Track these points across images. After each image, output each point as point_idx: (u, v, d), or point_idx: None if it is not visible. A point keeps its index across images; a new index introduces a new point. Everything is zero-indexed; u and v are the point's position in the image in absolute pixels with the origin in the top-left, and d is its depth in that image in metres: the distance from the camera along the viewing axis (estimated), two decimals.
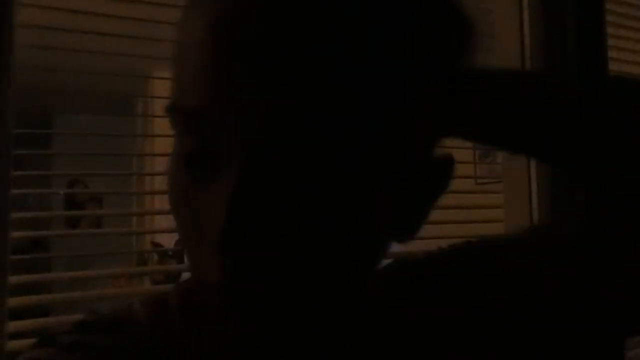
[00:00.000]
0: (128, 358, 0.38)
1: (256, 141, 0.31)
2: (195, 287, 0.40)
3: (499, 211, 1.41)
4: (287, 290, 0.33)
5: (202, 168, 0.33)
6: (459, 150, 1.61)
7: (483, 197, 1.66)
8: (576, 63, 1.29)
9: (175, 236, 2.39)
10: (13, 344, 0.89)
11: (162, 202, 2.37)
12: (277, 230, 0.31)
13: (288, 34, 0.30)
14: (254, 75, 0.31)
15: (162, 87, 1.59)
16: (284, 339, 0.35)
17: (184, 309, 0.41)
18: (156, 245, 2.46)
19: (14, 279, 0.92)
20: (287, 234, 0.32)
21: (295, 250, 0.32)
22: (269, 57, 0.30)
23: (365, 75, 0.32)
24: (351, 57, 0.31)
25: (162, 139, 1.42)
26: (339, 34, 0.31)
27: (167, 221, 2.27)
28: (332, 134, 0.31)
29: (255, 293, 0.32)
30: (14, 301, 0.92)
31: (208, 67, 0.32)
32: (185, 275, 0.50)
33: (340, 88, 0.31)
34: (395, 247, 0.39)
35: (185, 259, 0.38)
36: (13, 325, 0.91)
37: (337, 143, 0.31)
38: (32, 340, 0.44)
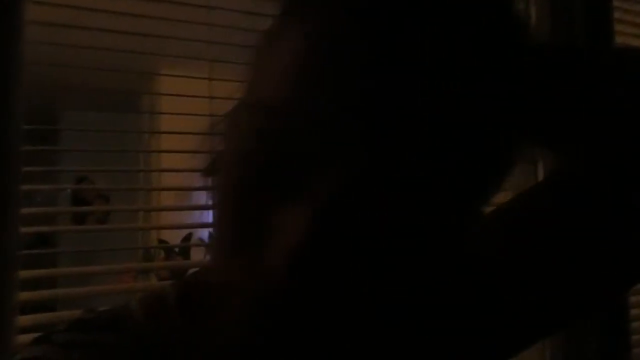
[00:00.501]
0: (124, 356, 0.38)
1: (344, 161, 0.31)
2: (205, 286, 0.40)
3: None
4: (337, 309, 0.33)
5: (277, 177, 0.32)
6: None
7: None
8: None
9: (181, 233, 2.40)
10: (22, 338, 0.89)
11: (168, 199, 2.37)
12: (348, 253, 0.32)
13: (384, 54, 0.30)
14: (348, 94, 0.31)
15: (168, 84, 1.60)
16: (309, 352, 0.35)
17: (182, 307, 0.41)
18: (162, 242, 2.47)
19: (23, 274, 0.93)
20: (357, 256, 0.32)
21: (359, 271, 0.32)
22: (361, 75, 0.31)
23: (460, 93, 0.32)
24: (444, 80, 0.31)
25: (168, 135, 1.42)
26: (434, 57, 0.31)
27: (174, 218, 2.28)
28: (420, 152, 0.31)
29: (309, 308, 0.33)
30: (22, 296, 0.93)
31: (303, 75, 0.32)
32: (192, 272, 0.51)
33: (434, 110, 0.31)
34: None
35: (210, 255, 0.38)
36: (22, 320, 0.92)
37: (421, 161, 0.31)
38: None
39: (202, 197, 1.37)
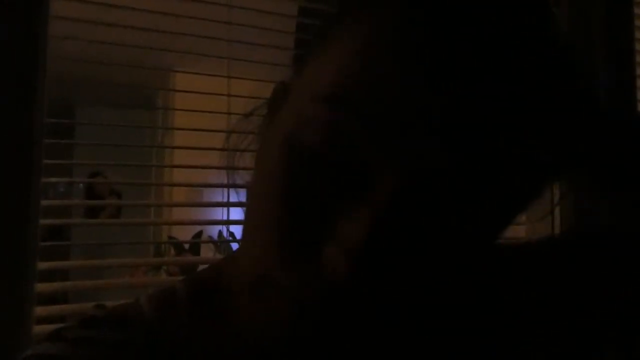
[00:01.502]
0: (134, 353, 0.38)
1: (409, 164, 0.31)
2: (220, 285, 0.41)
3: None
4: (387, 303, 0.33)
5: (340, 175, 0.32)
6: None
7: None
8: (602, 63, 1.29)
9: (191, 231, 2.41)
10: (39, 328, 0.90)
11: (179, 197, 2.38)
12: (405, 252, 0.32)
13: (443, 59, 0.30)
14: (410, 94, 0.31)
15: (184, 82, 1.61)
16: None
17: (193, 305, 0.41)
18: (173, 239, 2.48)
19: (41, 265, 0.94)
20: (412, 255, 0.32)
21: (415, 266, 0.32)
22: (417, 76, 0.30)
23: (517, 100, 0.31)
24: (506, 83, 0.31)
25: (181, 133, 1.43)
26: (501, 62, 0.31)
27: (185, 216, 2.29)
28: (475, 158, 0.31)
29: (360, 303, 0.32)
30: (40, 287, 0.94)
31: (370, 70, 0.32)
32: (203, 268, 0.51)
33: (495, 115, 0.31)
34: None
35: (244, 254, 0.37)
36: (39, 310, 0.93)
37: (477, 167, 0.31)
38: (55, 325, 0.45)
39: (213, 195, 1.38)
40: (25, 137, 0.88)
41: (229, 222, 1.28)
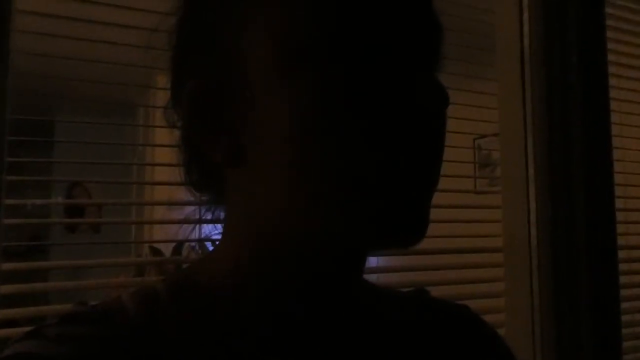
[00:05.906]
0: (116, 350, 0.38)
1: None
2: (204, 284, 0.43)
3: (498, 212, 1.42)
4: None
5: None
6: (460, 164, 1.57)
7: (483, 198, 1.65)
8: (575, 62, 1.30)
9: (172, 243, 2.38)
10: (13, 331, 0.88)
11: (160, 212, 2.36)
12: None
13: None
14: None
15: (163, 97, 1.57)
16: None
17: (174, 302, 0.42)
18: (154, 249, 2.45)
19: (7, 266, 0.93)
20: None
21: None
22: None
23: None
24: None
25: (162, 149, 1.40)
26: None
27: (165, 229, 2.26)
28: None
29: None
30: (6, 288, 0.92)
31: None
32: None
33: None
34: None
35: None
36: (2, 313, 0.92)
37: None
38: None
39: (193, 211, 1.36)
40: None
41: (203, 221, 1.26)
